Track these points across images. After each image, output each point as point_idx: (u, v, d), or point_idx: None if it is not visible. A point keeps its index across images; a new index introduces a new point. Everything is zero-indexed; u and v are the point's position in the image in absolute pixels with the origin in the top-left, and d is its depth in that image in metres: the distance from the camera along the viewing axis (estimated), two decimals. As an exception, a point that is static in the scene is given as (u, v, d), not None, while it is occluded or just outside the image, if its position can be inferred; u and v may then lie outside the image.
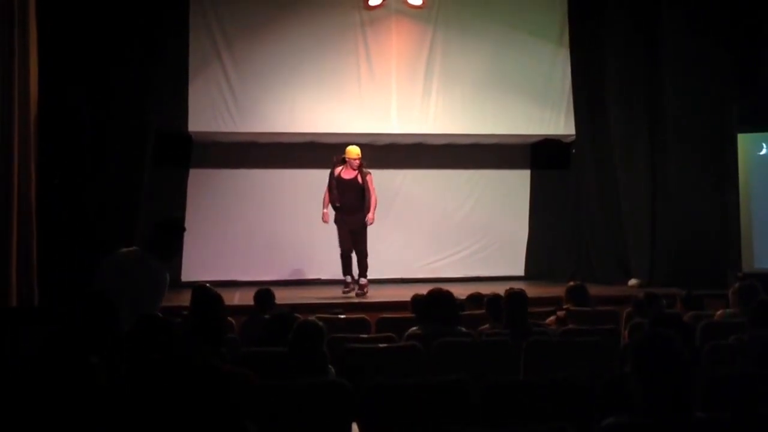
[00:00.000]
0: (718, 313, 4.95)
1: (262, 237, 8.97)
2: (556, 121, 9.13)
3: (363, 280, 7.58)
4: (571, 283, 5.75)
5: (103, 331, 3.46)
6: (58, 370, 2.94)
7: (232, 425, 2.29)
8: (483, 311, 4.89)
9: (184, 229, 4.33)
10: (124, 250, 4.14)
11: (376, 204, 7.56)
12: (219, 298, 3.62)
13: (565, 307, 5.27)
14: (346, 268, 7.61)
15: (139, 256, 4.05)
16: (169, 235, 4.15)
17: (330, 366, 3.36)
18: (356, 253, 7.58)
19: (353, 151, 7.57)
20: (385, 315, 5.47)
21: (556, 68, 9.10)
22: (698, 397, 2.28)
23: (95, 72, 7.64)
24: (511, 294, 4.47)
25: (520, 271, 9.62)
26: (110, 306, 3.41)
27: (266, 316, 4.92)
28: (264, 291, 5.51)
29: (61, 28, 7.30)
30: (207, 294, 3.70)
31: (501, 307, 4.51)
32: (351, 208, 7.51)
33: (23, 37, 6.57)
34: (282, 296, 6.32)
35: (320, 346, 3.32)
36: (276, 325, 4.14)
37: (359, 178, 7.54)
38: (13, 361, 3.29)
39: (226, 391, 2.30)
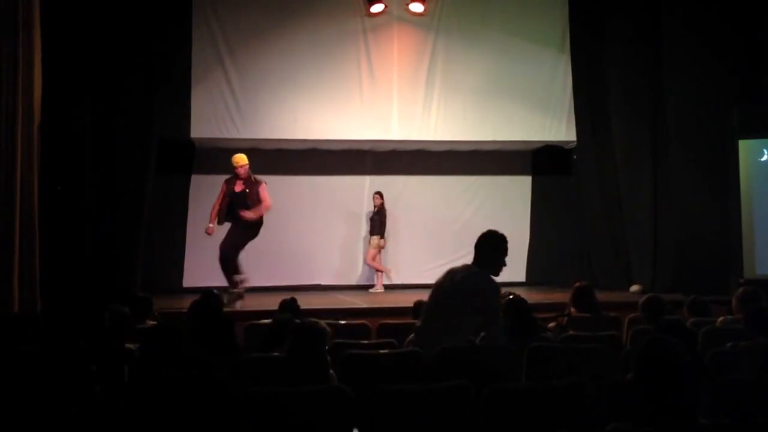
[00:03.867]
0: (720, 319, 4.94)
1: (264, 243, 8.92)
2: (557, 127, 9.15)
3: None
4: (578, 284, 5.61)
5: (104, 342, 3.48)
6: (56, 376, 2.96)
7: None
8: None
9: (505, 240, 4.10)
10: (460, 266, 4.12)
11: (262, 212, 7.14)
12: (221, 305, 3.63)
13: (566, 313, 5.26)
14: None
15: (472, 272, 4.00)
16: (494, 247, 4.04)
17: (331, 371, 3.36)
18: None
19: (241, 159, 7.09)
20: (386, 321, 5.46)
21: (557, 75, 9.12)
22: (701, 404, 2.27)
23: (99, 79, 7.67)
24: (511, 301, 4.45)
25: (521, 277, 9.62)
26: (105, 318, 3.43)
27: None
28: (289, 300, 5.39)
29: (64, 36, 7.33)
30: (210, 300, 3.71)
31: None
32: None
33: (27, 45, 6.59)
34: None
35: (322, 347, 3.31)
36: (276, 331, 4.14)
37: (247, 190, 7.09)
38: (13, 367, 3.30)
39: (226, 406, 2.30)
